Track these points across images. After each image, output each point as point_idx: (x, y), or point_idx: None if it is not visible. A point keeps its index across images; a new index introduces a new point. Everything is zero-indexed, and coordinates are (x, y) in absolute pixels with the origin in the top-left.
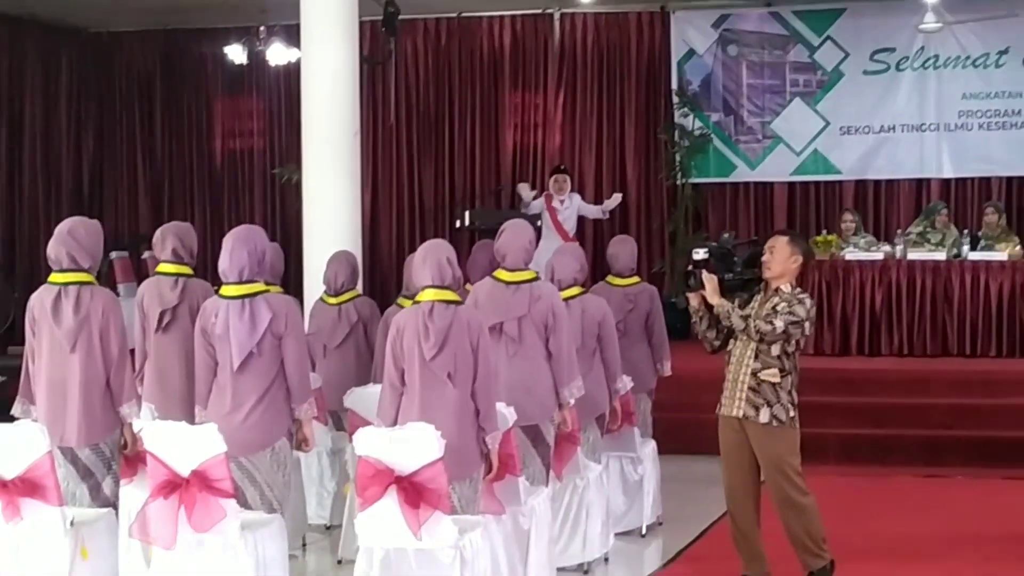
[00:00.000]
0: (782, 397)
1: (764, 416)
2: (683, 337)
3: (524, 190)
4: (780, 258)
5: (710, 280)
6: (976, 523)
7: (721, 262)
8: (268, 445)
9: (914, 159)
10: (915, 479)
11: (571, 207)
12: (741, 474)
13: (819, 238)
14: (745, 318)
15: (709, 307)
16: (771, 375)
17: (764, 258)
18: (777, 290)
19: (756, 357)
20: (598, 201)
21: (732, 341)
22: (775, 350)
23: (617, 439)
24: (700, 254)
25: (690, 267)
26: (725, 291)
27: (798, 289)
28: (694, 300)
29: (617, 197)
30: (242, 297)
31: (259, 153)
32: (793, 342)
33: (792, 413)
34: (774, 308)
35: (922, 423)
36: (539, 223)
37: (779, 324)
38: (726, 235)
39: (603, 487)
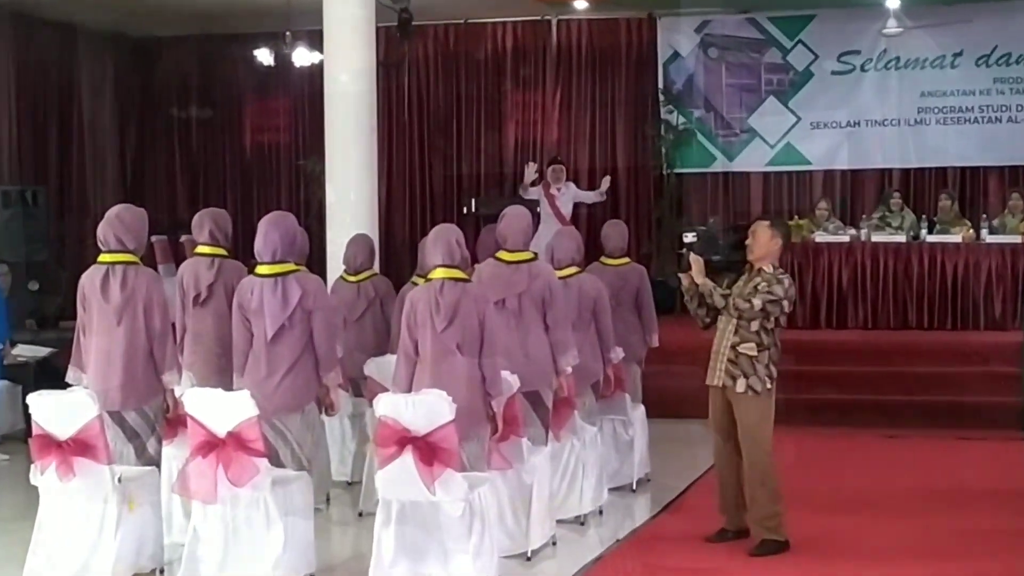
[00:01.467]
0: (759, 369)
1: (740, 386)
2: (669, 312)
3: (528, 170)
4: (762, 241)
5: (696, 261)
6: (929, 479)
7: (708, 245)
8: (299, 409)
9: (877, 151)
10: (876, 439)
11: (567, 194)
12: (724, 437)
13: (791, 223)
14: (725, 296)
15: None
16: (748, 349)
17: (747, 242)
18: (759, 270)
19: (736, 332)
20: (592, 188)
21: (720, 317)
22: (754, 326)
23: (610, 404)
24: (689, 237)
25: (683, 250)
26: (713, 272)
27: (780, 270)
28: (685, 280)
29: (607, 180)
30: (275, 276)
31: (285, 147)
32: (772, 319)
33: (769, 385)
34: (755, 287)
35: (883, 389)
36: (538, 209)
37: (756, 302)
38: (712, 220)
39: (597, 447)
